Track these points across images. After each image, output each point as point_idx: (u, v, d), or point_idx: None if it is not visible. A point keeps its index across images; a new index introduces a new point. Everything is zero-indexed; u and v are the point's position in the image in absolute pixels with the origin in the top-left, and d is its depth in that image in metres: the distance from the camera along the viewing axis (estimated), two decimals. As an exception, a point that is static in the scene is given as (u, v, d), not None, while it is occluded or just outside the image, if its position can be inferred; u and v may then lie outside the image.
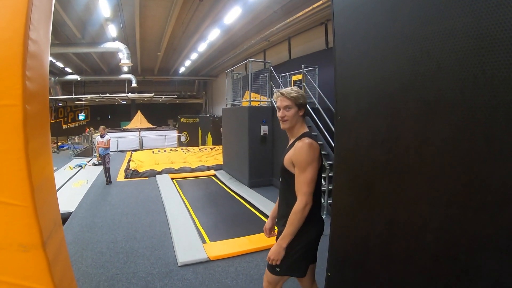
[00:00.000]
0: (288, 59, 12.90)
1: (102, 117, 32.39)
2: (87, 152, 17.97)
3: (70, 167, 10.92)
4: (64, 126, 30.51)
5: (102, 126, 8.64)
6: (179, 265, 3.71)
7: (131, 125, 22.64)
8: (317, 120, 7.46)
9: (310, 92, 7.74)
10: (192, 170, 9.87)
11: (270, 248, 1.95)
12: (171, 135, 19.36)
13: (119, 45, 14.32)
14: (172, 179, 8.64)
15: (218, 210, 6.17)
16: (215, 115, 24.70)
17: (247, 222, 5.36)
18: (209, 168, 9.96)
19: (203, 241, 4.39)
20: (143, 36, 15.20)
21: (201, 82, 31.22)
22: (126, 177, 8.95)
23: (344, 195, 2.00)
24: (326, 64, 9.05)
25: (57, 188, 7.99)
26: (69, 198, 6.92)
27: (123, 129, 21.32)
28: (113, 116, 32.16)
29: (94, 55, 18.52)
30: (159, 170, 9.45)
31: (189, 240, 4.34)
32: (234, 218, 5.59)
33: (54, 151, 18.66)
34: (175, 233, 4.59)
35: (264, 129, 7.36)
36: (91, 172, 10.21)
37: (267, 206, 5.96)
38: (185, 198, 6.74)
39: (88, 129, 25.22)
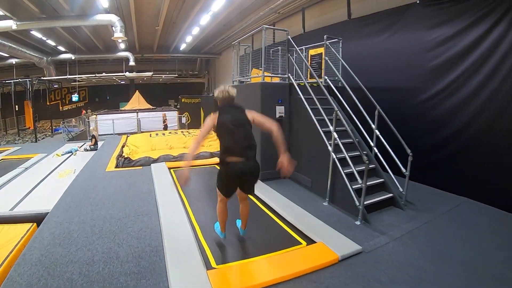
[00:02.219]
0: (302, 32, 11.48)
1: (101, 98, 31.44)
2: (82, 136, 16.91)
3: (57, 155, 9.77)
4: (61, 109, 29.43)
5: None
6: (173, 309, 2.61)
7: (128, 106, 21.42)
8: (342, 100, 6.24)
9: (334, 67, 6.45)
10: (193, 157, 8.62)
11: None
12: (171, 116, 18.19)
13: (111, 17, 12.85)
14: (169, 168, 7.48)
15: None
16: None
17: (261, 228, 4.25)
18: (212, 155, 8.58)
19: (207, 265, 3.26)
20: (139, 7, 13.75)
21: (204, 61, 29.70)
22: (117, 166, 7.74)
23: None
24: (348, 37, 7.71)
25: (39, 180, 6.92)
26: (49, 194, 5.82)
27: (120, 110, 20.14)
28: (112, 97, 31.21)
29: (86, 30, 17.07)
30: (155, 157, 8.24)
31: (189, 264, 3.20)
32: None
33: (48, 135, 17.61)
34: (169, 252, 3.44)
35: (280, 110, 6.10)
36: (81, 159, 9.08)
37: (284, 206, 4.82)
38: (184, 195, 5.58)
39: (84, 111, 24.07)
